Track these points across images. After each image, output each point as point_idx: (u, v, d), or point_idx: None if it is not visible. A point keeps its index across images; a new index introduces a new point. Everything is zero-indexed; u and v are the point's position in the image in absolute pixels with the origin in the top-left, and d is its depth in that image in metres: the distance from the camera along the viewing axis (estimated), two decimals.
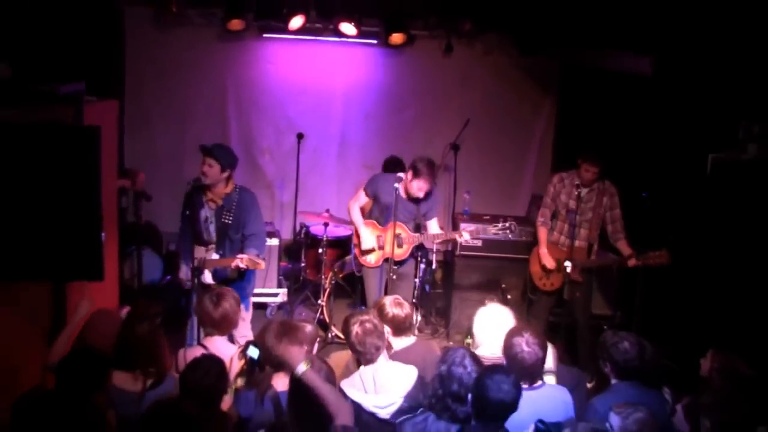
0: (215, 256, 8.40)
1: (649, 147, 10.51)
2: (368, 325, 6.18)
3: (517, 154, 12.80)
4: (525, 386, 6.08)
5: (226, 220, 8.40)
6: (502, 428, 5.27)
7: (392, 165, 10.92)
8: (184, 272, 8.59)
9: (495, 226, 9.14)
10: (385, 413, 6.00)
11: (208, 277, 8.41)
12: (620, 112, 11.01)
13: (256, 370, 6.11)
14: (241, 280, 8.44)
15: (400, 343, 6.88)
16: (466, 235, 9.15)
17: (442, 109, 12.44)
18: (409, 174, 9.11)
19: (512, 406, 5.25)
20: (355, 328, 6.19)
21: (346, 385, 6.15)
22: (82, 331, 7.09)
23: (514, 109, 12.64)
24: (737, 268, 8.69)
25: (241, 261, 8.08)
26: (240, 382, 6.41)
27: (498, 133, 12.58)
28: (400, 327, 6.87)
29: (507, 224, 9.14)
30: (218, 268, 8.42)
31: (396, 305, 6.96)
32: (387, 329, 6.66)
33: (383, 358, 6.26)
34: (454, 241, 9.61)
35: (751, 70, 8.40)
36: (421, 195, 9.15)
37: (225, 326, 6.94)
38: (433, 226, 9.40)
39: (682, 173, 9.70)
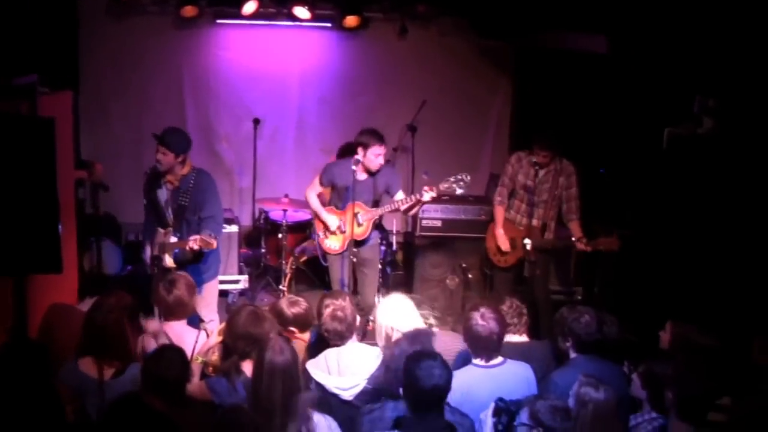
0: (173, 239, 8.36)
1: (606, 124, 10.58)
2: (339, 313, 6.17)
3: (475, 134, 12.83)
4: (482, 362, 6.15)
5: (183, 202, 8.33)
6: (441, 417, 5.25)
7: (348, 151, 10.90)
8: (148, 255, 8.59)
9: (447, 180, 8.92)
10: (347, 395, 6.01)
11: (168, 261, 8.39)
12: (577, 91, 11.07)
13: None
14: (198, 262, 8.42)
15: (307, 336, 6.83)
16: (427, 194, 8.92)
17: (399, 91, 12.43)
18: (361, 150, 9.03)
19: (447, 388, 5.22)
20: (326, 312, 6.20)
21: (311, 365, 6.16)
22: (43, 327, 7.08)
23: (470, 90, 12.66)
24: (694, 241, 8.76)
25: (194, 242, 8.02)
26: (215, 356, 6.45)
27: (455, 114, 12.60)
28: (305, 323, 6.75)
29: (460, 176, 8.91)
30: (177, 251, 8.40)
31: (292, 305, 6.79)
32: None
33: (350, 341, 6.27)
34: (421, 204, 9.46)
35: (704, 45, 8.45)
36: (382, 162, 9.09)
37: (180, 311, 6.90)
38: (401, 195, 9.28)
39: (639, 148, 9.77)
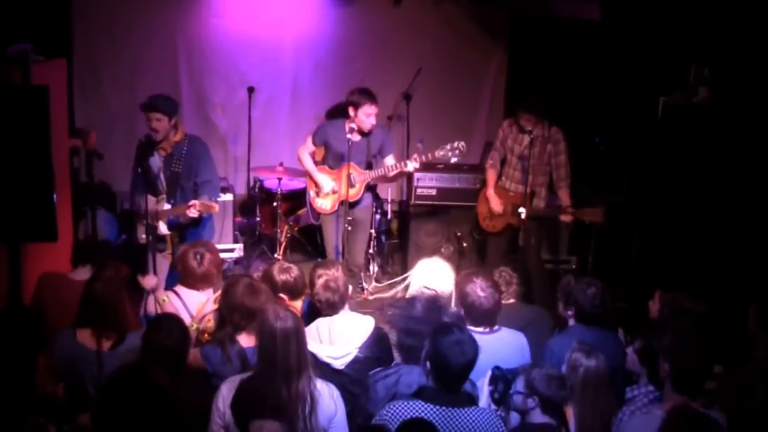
0: (167, 206, 8.40)
1: (601, 92, 10.58)
2: (332, 284, 6.16)
3: (470, 102, 12.80)
4: (481, 330, 6.19)
5: (176, 169, 8.41)
6: (459, 389, 5.26)
7: (338, 113, 10.85)
8: (139, 224, 8.63)
9: (443, 148, 9.02)
10: (339, 364, 6.04)
11: (162, 228, 8.42)
12: (571, 59, 11.05)
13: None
14: (195, 226, 8.46)
15: (300, 305, 6.84)
16: (411, 164, 9.08)
17: (393, 59, 12.38)
18: (352, 110, 9.09)
19: (473, 363, 5.24)
20: (319, 282, 6.19)
21: None
22: (35, 296, 7.10)
23: (465, 58, 12.62)
24: (688, 209, 8.79)
25: (194, 207, 8.10)
26: (211, 324, 6.49)
27: (450, 82, 12.57)
28: (294, 291, 6.77)
29: (456, 144, 9.00)
30: (171, 218, 8.43)
31: (283, 271, 6.82)
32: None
33: (343, 311, 6.28)
34: (404, 174, 9.47)
35: (700, 14, 8.45)
36: (374, 122, 9.11)
37: (206, 283, 6.97)
38: (391, 161, 9.36)
39: (634, 117, 9.77)
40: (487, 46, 12.67)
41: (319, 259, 8.18)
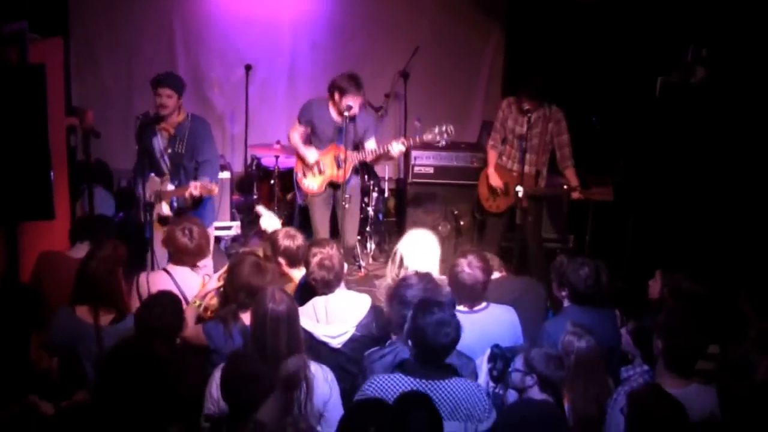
0: (171, 187, 8.40)
1: (598, 72, 10.57)
2: (326, 262, 6.16)
3: (467, 81, 12.80)
4: (466, 309, 6.21)
5: (179, 150, 8.41)
6: (442, 365, 5.31)
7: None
8: (142, 203, 8.59)
9: (431, 131, 9.03)
10: (336, 342, 6.08)
11: (164, 209, 8.43)
12: (569, 39, 11.04)
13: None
14: (196, 207, 8.48)
15: (297, 274, 6.89)
16: (396, 147, 9.06)
17: (391, 38, 12.37)
18: (337, 95, 9.02)
19: (455, 342, 5.29)
20: (314, 260, 6.19)
21: (300, 314, 6.19)
22: (34, 275, 7.11)
23: (462, 37, 12.61)
24: (685, 189, 8.81)
25: (194, 189, 8.08)
26: (214, 301, 6.56)
27: (447, 60, 12.57)
28: (293, 258, 6.86)
29: (444, 128, 8.99)
30: (174, 199, 8.44)
31: (287, 237, 6.93)
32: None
33: (338, 289, 6.30)
34: (389, 157, 9.47)
35: None
36: (356, 111, 8.99)
37: (198, 257, 7.04)
38: (371, 144, 9.30)
39: (632, 97, 9.77)
40: (485, 25, 12.67)
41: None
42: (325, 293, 6.23)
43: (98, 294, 6.02)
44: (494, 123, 9.93)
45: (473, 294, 6.24)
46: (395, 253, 6.94)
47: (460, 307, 6.23)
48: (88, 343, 5.88)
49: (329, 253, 6.22)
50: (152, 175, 8.53)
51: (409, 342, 5.34)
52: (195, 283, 6.80)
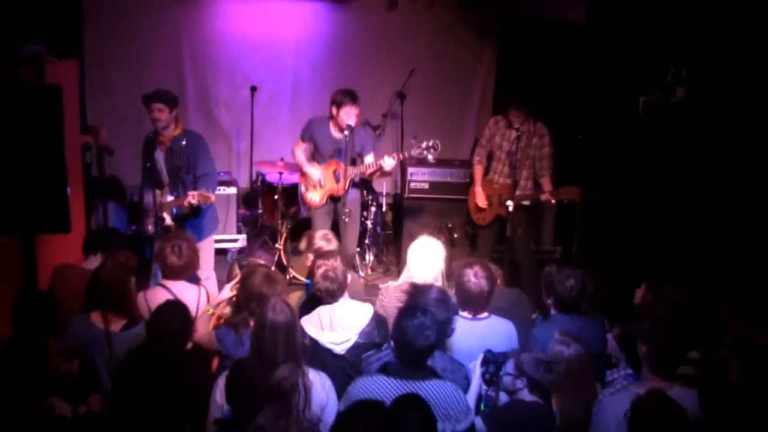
0: (170, 198, 8.44)
1: (585, 91, 10.60)
2: (330, 273, 6.19)
3: (460, 100, 12.85)
4: (469, 316, 6.27)
5: (177, 162, 8.43)
6: (423, 367, 5.36)
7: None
8: (148, 217, 8.66)
9: (419, 147, 9.04)
10: (340, 349, 6.08)
11: (167, 218, 8.47)
12: (557, 60, 11.07)
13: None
14: (196, 217, 8.51)
15: None
16: (388, 162, 9.09)
17: (388, 59, 12.41)
18: (334, 109, 9.13)
19: (434, 346, 5.37)
20: (318, 272, 6.23)
21: (305, 322, 6.19)
22: (50, 287, 7.12)
23: (456, 58, 12.67)
24: (667, 203, 8.83)
25: (192, 197, 8.10)
26: (227, 310, 6.58)
27: (442, 81, 12.62)
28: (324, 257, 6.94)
29: (430, 143, 8.99)
30: (175, 209, 8.48)
31: (323, 239, 7.18)
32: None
33: (342, 299, 6.33)
34: (384, 173, 9.57)
35: (677, 17, 8.48)
36: (353, 121, 9.08)
37: (189, 271, 7.04)
38: (369, 159, 9.38)
39: (616, 115, 9.81)
40: (477, 47, 12.73)
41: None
42: (330, 302, 6.24)
43: (110, 301, 6.05)
44: (480, 139, 9.96)
45: (478, 302, 6.31)
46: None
47: (463, 314, 6.31)
48: (101, 347, 5.91)
49: (333, 265, 6.24)
50: (155, 189, 8.58)
51: (391, 344, 5.46)
52: (191, 295, 6.80)
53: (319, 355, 6.05)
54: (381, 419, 4.29)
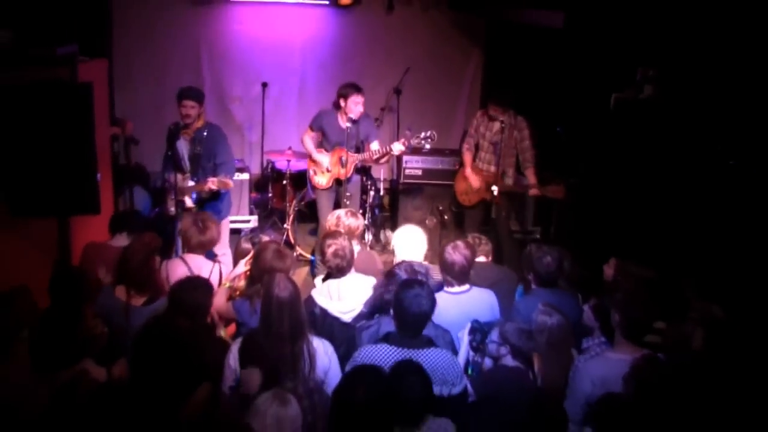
0: (191, 183, 8.51)
1: (563, 88, 10.61)
2: (340, 252, 6.28)
3: (451, 96, 12.86)
4: (452, 289, 6.31)
5: (198, 151, 8.54)
6: (418, 334, 5.38)
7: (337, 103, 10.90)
8: (170, 200, 8.74)
9: (417, 136, 9.22)
10: (347, 317, 6.16)
11: (188, 201, 8.55)
12: (538, 60, 11.08)
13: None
14: (215, 200, 8.59)
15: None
16: (396, 147, 9.27)
17: (386, 58, 12.41)
18: (342, 101, 9.31)
19: (430, 314, 5.39)
20: (329, 250, 6.30)
21: (315, 293, 6.31)
22: (81, 261, 7.15)
23: (447, 58, 12.68)
24: (635, 189, 8.85)
25: (212, 183, 8.22)
26: (242, 283, 6.60)
27: (434, 78, 12.62)
28: (349, 232, 7.04)
29: (428, 133, 9.19)
30: (194, 192, 8.55)
31: (350, 215, 7.32)
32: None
33: (349, 274, 6.40)
34: (391, 159, 9.84)
35: (646, 22, 8.48)
36: (361, 109, 9.30)
37: (209, 246, 7.08)
38: (375, 146, 9.52)
39: (590, 110, 9.82)
40: (467, 48, 12.74)
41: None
42: (338, 277, 6.32)
43: (134, 278, 6.06)
44: (468, 130, 10.06)
45: (460, 274, 6.31)
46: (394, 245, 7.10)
47: (448, 289, 6.34)
48: (119, 318, 5.92)
49: (342, 244, 6.33)
50: (177, 174, 8.64)
51: (391, 313, 5.48)
52: (206, 269, 6.82)
53: (328, 323, 6.13)
54: (380, 383, 4.31)
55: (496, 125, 9.50)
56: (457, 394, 5.21)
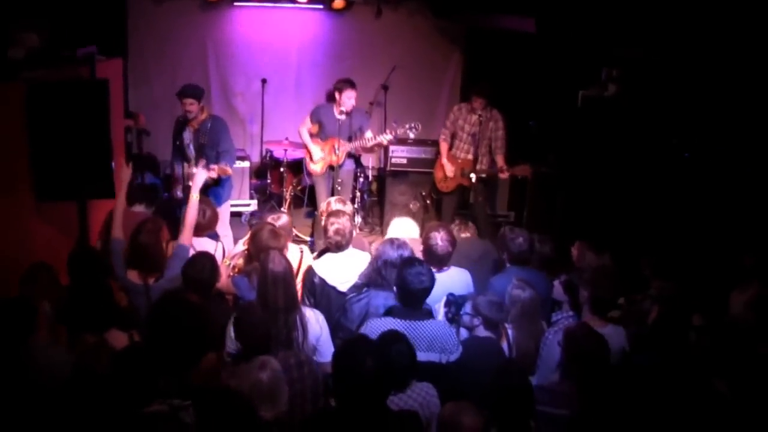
0: (195, 170, 8.52)
1: (535, 87, 10.65)
2: (341, 230, 6.36)
3: (433, 92, 12.83)
4: (435, 270, 6.28)
5: (203, 141, 8.59)
6: (420, 308, 5.43)
7: (330, 99, 10.91)
8: (178, 186, 8.93)
9: (403, 127, 9.42)
10: (343, 287, 6.24)
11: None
12: (512, 61, 11.11)
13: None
14: (216, 185, 8.62)
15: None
16: (385, 137, 9.49)
17: (375, 58, 12.37)
18: (337, 95, 9.43)
19: (431, 289, 5.43)
20: (331, 228, 6.37)
21: (316, 265, 6.40)
22: (106, 226, 7.13)
23: (430, 58, 12.64)
24: (600, 178, 8.91)
25: (213, 170, 8.26)
26: (240, 261, 6.64)
27: (418, 78, 12.58)
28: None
29: (412, 125, 9.41)
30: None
31: (338, 202, 7.33)
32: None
33: (347, 249, 6.49)
34: (381, 147, 10.24)
35: (611, 26, 8.52)
36: (353, 103, 9.42)
37: (210, 229, 7.10)
38: (369, 134, 9.62)
39: (560, 106, 9.87)
40: (448, 50, 12.70)
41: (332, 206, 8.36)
42: (337, 252, 6.41)
43: (145, 258, 6.07)
44: (446, 122, 10.10)
45: (442, 260, 6.36)
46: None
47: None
48: (139, 297, 5.98)
49: (344, 223, 6.40)
50: (183, 163, 8.79)
51: (395, 289, 5.54)
52: (210, 248, 6.81)
53: (326, 292, 6.24)
54: (377, 352, 4.27)
55: (474, 118, 9.59)
56: (455, 361, 5.28)
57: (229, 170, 8.51)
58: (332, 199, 7.56)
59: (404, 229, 7.24)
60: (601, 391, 4.64)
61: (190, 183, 8.26)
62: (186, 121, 8.63)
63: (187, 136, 8.68)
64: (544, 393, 4.82)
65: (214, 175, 8.29)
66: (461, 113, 9.84)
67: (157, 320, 4.75)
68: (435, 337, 5.21)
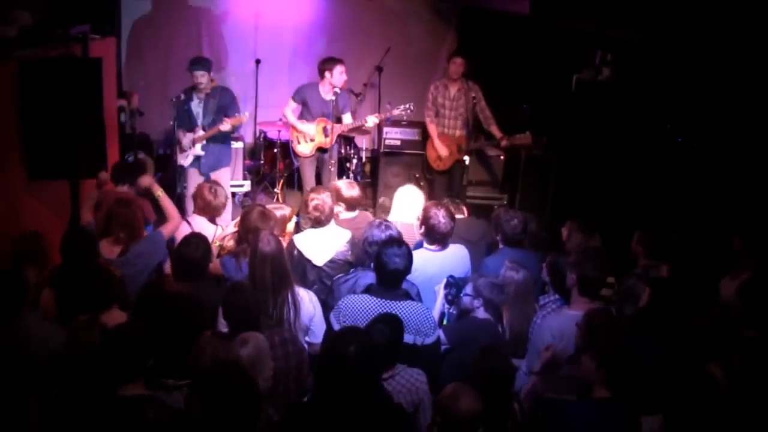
0: (201, 132, 8.91)
1: (529, 69, 10.64)
2: (320, 206, 6.45)
3: (427, 74, 12.75)
4: (434, 248, 6.34)
5: (212, 107, 8.91)
6: (397, 288, 5.41)
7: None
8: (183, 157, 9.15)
9: (397, 108, 9.46)
10: (318, 261, 6.33)
11: (198, 150, 9.04)
12: (506, 43, 11.10)
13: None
14: (224, 143, 9.22)
15: (349, 215, 7.08)
16: (370, 120, 9.49)
17: (369, 40, 12.37)
18: (327, 74, 9.37)
19: (406, 271, 5.39)
20: (311, 204, 6.47)
21: (296, 238, 6.49)
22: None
23: (424, 39, 12.68)
24: (593, 159, 8.94)
25: (225, 123, 8.74)
26: (230, 243, 6.64)
27: (411, 58, 12.60)
28: (352, 204, 7.08)
29: (407, 106, 9.46)
30: (209, 162, 9.04)
31: (349, 187, 7.14)
32: (341, 207, 6.97)
33: (328, 225, 6.54)
34: (365, 129, 10.13)
35: (605, 8, 8.52)
36: (345, 77, 9.40)
37: (214, 212, 7.10)
38: (348, 118, 9.65)
39: (554, 89, 9.87)
40: (442, 31, 12.74)
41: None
42: (317, 227, 6.49)
43: (116, 225, 6.21)
44: (426, 103, 10.08)
45: (444, 238, 6.34)
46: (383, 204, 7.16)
47: (428, 246, 6.38)
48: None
49: (323, 199, 6.49)
50: (186, 132, 9.05)
51: (372, 267, 5.55)
52: (209, 231, 6.82)
53: (302, 264, 6.32)
54: (368, 341, 4.20)
55: (453, 91, 9.69)
56: (430, 344, 5.21)
57: (244, 117, 8.94)
58: (342, 183, 7.27)
59: (410, 197, 7.19)
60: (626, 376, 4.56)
61: (196, 146, 8.67)
62: (193, 91, 8.93)
63: (195, 104, 8.97)
64: (551, 379, 4.87)
65: (228, 127, 8.75)
66: (438, 91, 9.92)
67: (143, 313, 4.77)
68: (410, 318, 5.13)
